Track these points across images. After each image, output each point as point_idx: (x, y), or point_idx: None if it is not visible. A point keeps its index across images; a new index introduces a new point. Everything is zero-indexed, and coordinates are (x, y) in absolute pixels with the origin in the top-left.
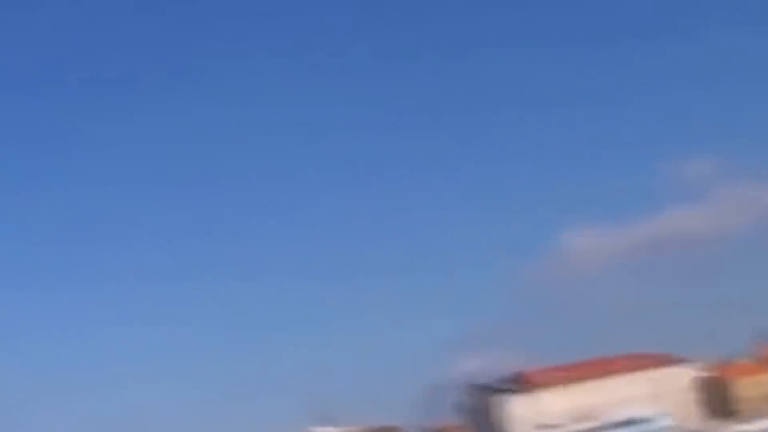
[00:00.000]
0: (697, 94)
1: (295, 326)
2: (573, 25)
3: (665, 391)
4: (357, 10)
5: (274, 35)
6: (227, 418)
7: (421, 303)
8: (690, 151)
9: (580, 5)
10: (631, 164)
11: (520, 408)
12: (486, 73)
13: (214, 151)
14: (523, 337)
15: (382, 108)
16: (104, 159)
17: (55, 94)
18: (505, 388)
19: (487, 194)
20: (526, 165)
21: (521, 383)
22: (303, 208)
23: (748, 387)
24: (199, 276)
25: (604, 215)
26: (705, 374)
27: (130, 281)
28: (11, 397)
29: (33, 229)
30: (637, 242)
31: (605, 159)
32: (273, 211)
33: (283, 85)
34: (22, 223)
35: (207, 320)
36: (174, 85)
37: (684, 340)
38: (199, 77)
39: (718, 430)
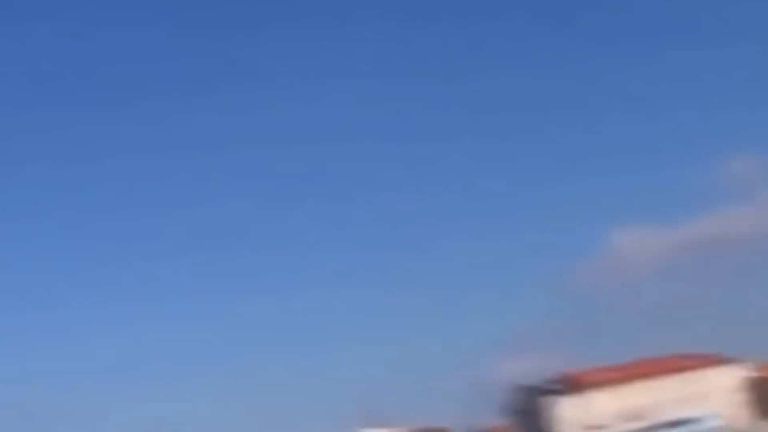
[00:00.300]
0: (743, 94)
1: (342, 328)
2: (618, 28)
3: (714, 391)
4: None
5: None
6: (275, 421)
7: (469, 304)
8: (736, 151)
9: (627, 7)
10: (678, 165)
11: (568, 409)
12: (532, 78)
13: (249, 155)
14: (571, 338)
15: (423, 110)
16: (139, 164)
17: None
18: (554, 388)
19: (534, 196)
20: (574, 167)
21: (570, 384)
22: (345, 211)
23: None
24: (243, 279)
25: (651, 216)
26: (754, 374)
27: (173, 284)
28: (59, 395)
29: (69, 236)
30: (685, 242)
31: (651, 160)
32: (314, 214)
33: (319, 91)
34: (57, 228)
35: (254, 322)
36: (186, 91)
37: (733, 339)
38: (217, 83)
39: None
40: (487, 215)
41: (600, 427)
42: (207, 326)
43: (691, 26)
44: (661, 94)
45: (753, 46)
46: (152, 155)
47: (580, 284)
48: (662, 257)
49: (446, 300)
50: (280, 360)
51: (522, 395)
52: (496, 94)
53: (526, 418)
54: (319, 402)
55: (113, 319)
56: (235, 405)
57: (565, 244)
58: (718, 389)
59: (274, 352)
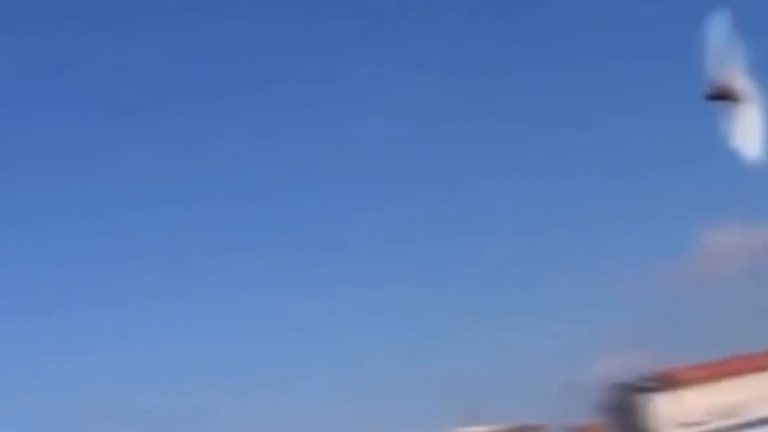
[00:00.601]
0: None
1: (438, 328)
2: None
3: None
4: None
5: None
6: (372, 420)
7: (563, 303)
8: None
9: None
10: None
11: (663, 406)
12: (614, 80)
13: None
14: (663, 336)
15: (516, 115)
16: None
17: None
18: (648, 386)
19: (626, 199)
20: (663, 169)
21: (664, 381)
22: (448, 213)
23: None
24: (341, 280)
25: (742, 215)
26: None
27: (284, 288)
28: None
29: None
30: None
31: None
32: (425, 217)
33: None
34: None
35: (353, 323)
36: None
37: None
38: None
39: None
40: (581, 219)
41: (694, 424)
42: (311, 328)
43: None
44: None
45: None
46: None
47: (672, 283)
48: (755, 255)
49: (540, 300)
50: (375, 361)
51: (616, 393)
52: (580, 97)
53: (621, 416)
54: (416, 402)
55: (237, 321)
56: (330, 406)
57: (657, 244)
58: None
59: (368, 354)
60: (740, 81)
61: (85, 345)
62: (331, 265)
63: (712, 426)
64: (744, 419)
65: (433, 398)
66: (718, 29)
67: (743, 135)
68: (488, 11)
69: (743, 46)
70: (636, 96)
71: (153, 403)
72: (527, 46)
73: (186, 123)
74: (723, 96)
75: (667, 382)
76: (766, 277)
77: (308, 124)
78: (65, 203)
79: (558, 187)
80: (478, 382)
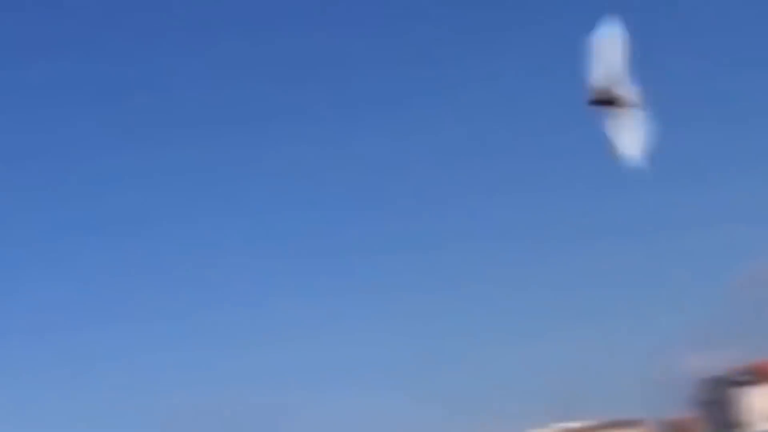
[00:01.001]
0: None
1: (531, 325)
2: None
3: None
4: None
5: None
6: (469, 418)
7: (656, 300)
8: None
9: None
10: None
11: (757, 399)
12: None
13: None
14: (757, 331)
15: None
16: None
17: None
18: (742, 380)
19: (716, 201)
20: (754, 171)
21: (758, 375)
22: (546, 222)
23: None
24: (440, 282)
25: None
26: None
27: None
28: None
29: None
30: None
31: None
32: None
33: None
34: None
35: (446, 324)
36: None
37: None
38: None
39: None
40: (676, 223)
41: None
42: (399, 329)
43: None
44: None
45: None
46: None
47: (762, 281)
48: None
49: (634, 296)
50: (470, 361)
51: (710, 387)
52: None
53: (714, 410)
54: (512, 399)
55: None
56: (428, 406)
57: (747, 244)
58: None
59: (463, 354)
60: (623, 87)
61: (187, 347)
62: (426, 268)
63: None
64: None
65: (528, 395)
66: (603, 37)
67: (625, 139)
68: None
69: (628, 54)
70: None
71: (260, 403)
72: None
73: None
74: (605, 102)
75: (761, 375)
76: None
77: None
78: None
79: (659, 195)
80: (575, 379)
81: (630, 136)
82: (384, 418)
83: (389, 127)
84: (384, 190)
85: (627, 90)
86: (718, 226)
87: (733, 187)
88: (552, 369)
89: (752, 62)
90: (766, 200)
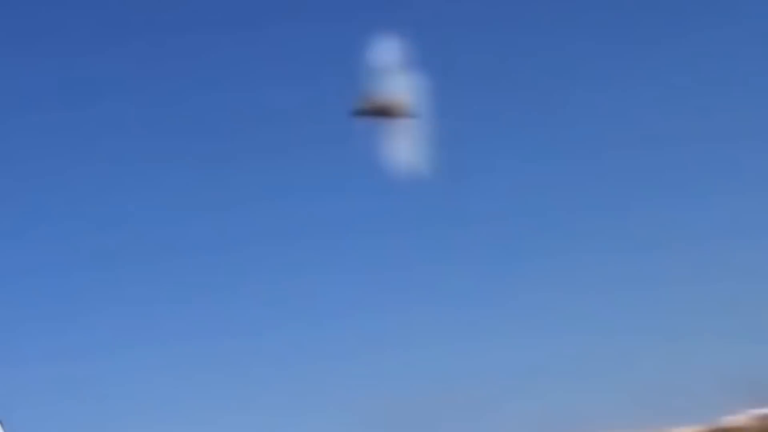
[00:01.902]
0: None
1: (715, 319)
2: None
3: None
4: None
5: None
6: (646, 417)
7: None
8: None
9: None
10: None
11: None
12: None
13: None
14: None
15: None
16: None
17: None
18: None
19: None
20: None
21: None
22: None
23: None
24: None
25: None
26: None
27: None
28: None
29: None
30: None
31: None
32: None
33: None
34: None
35: (625, 325)
36: None
37: None
38: None
39: None
40: None
41: None
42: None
43: None
44: None
45: None
46: None
47: None
48: None
49: None
50: (649, 360)
51: None
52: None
53: None
54: (690, 394)
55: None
56: (611, 404)
57: None
58: None
59: (644, 352)
60: (397, 96)
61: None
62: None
63: None
64: None
65: (727, 383)
66: (380, 45)
67: (398, 150)
68: None
69: (405, 62)
70: None
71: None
72: None
73: None
74: (377, 112)
75: None
76: None
77: None
78: None
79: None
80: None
81: (404, 145)
82: (573, 414)
83: None
84: None
85: (400, 99)
86: None
87: None
88: (736, 357)
89: None
90: None
